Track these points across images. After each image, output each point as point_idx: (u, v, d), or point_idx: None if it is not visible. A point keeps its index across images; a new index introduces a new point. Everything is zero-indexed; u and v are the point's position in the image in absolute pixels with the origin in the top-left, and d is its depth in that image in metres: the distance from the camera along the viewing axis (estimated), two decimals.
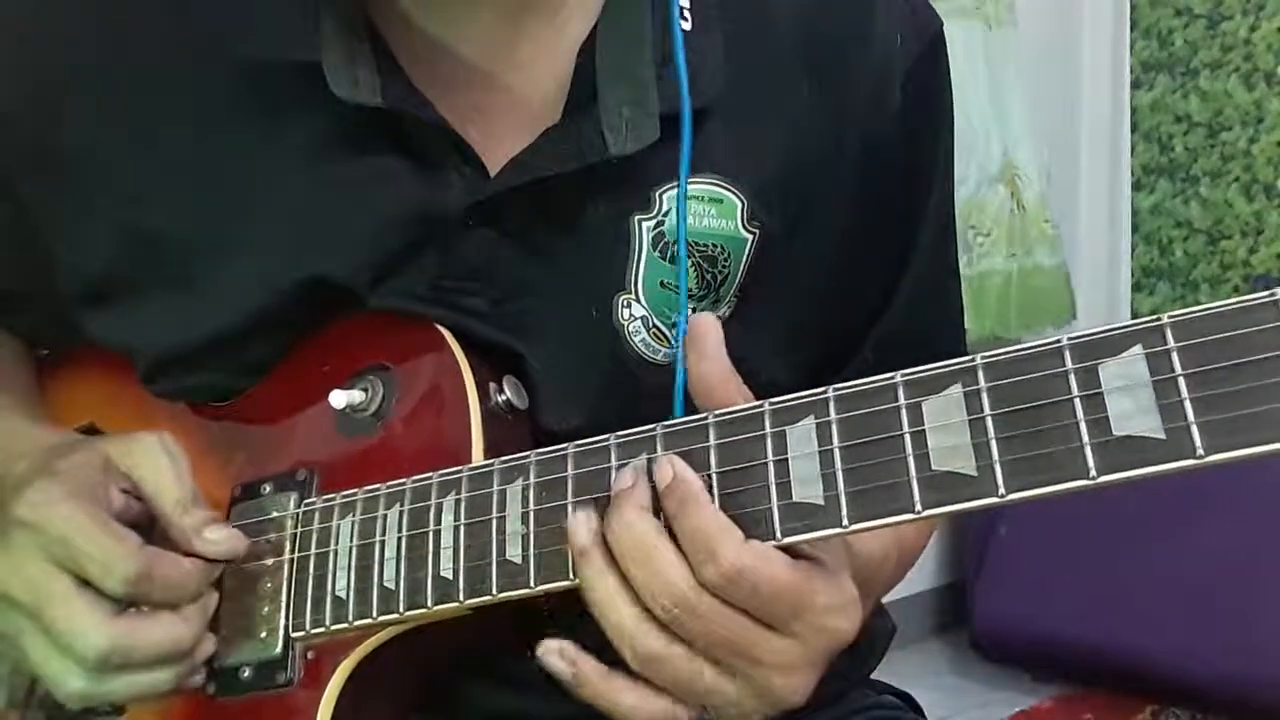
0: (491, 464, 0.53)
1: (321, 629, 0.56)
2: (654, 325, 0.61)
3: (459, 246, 0.60)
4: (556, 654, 0.49)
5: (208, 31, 0.60)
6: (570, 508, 0.50)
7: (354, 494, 0.57)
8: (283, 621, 0.57)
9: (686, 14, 0.60)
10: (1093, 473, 0.40)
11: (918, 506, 0.43)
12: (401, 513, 0.55)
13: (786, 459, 0.46)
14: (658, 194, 0.60)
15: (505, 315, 0.60)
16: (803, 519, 0.45)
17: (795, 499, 0.46)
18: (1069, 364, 0.41)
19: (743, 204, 0.61)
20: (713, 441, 0.48)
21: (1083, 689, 2.19)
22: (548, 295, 0.61)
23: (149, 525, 0.56)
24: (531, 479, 0.52)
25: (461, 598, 0.52)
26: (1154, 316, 0.40)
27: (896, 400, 0.45)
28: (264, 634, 0.58)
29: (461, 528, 0.53)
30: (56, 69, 0.62)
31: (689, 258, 0.61)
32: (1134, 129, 2.89)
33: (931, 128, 0.68)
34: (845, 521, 0.45)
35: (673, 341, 0.62)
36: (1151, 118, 2.86)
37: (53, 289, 0.65)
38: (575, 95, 0.59)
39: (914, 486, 0.43)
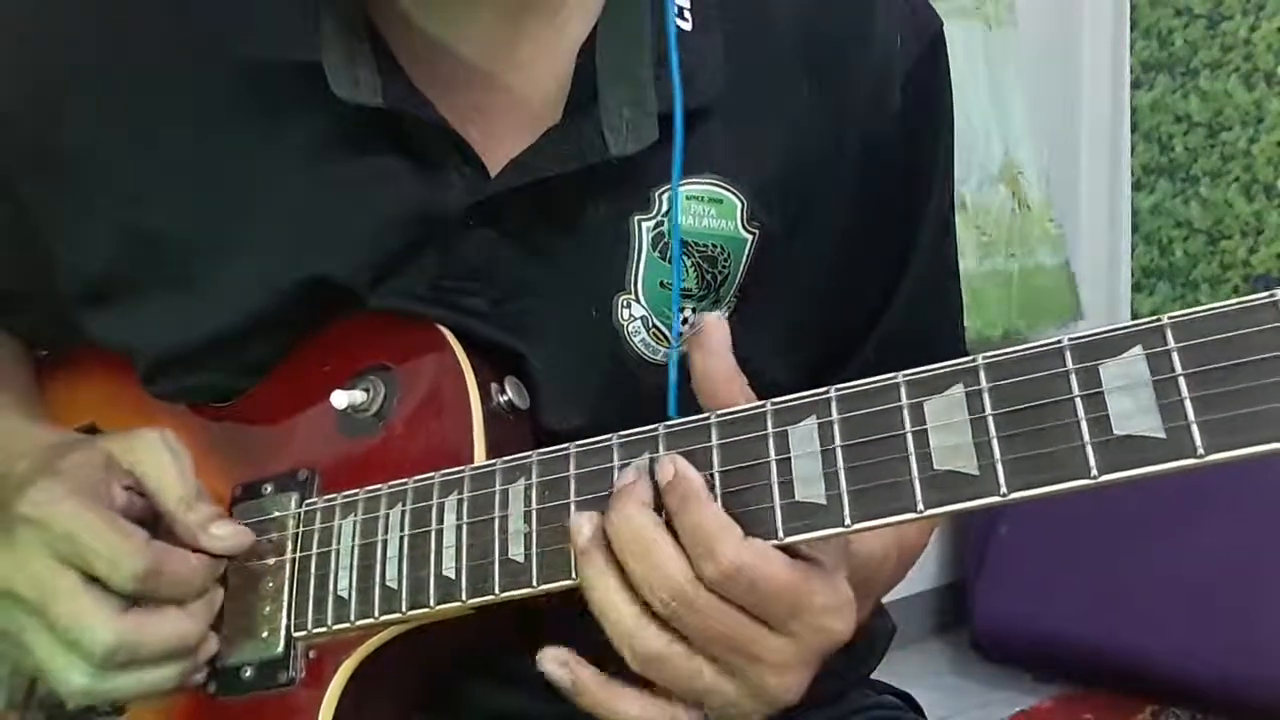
0: (493, 463, 0.53)
1: (323, 628, 0.56)
2: (654, 325, 0.61)
3: (459, 246, 0.60)
4: (555, 662, 0.49)
5: (208, 31, 0.60)
6: (572, 507, 0.50)
7: (355, 494, 0.57)
8: (284, 621, 0.57)
9: (686, 14, 0.60)
10: (1094, 472, 0.40)
11: (920, 506, 0.43)
12: (403, 512, 0.55)
13: (789, 458, 0.46)
14: (657, 194, 0.60)
15: (505, 315, 0.60)
16: (805, 518, 0.46)
17: (798, 498, 0.46)
18: (1070, 364, 0.41)
19: (743, 204, 0.61)
20: (715, 441, 0.48)
21: (1083, 689, 2.19)
22: (548, 295, 0.61)
23: (152, 522, 0.56)
24: (534, 478, 0.52)
25: (464, 597, 0.52)
26: (1154, 317, 0.40)
27: (898, 400, 0.45)
28: (266, 633, 0.58)
29: (464, 527, 0.53)
30: (56, 69, 0.62)
31: (689, 258, 0.61)
32: (1134, 129, 2.89)
33: (931, 128, 0.68)
34: (847, 521, 0.45)
35: (673, 341, 0.62)
36: (1151, 118, 2.86)
37: (53, 289, 0.65)
38: (575, 95, 0.59)
39: (916, 486, 0.43)
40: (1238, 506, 2.00)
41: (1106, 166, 2.89)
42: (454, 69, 0.60)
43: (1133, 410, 0.40)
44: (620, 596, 0.47)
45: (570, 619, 0.50)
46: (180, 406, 0.66)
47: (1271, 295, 0.39)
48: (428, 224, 0.60)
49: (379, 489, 0.56)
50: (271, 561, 0.59)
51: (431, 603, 0.53)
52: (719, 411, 0.49)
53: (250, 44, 0.59)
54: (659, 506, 0.47)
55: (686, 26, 0.60)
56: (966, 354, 0.45)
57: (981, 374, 0.43)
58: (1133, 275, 2.92)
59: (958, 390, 0.44)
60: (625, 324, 0.61)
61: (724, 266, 0.61)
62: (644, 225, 0.60)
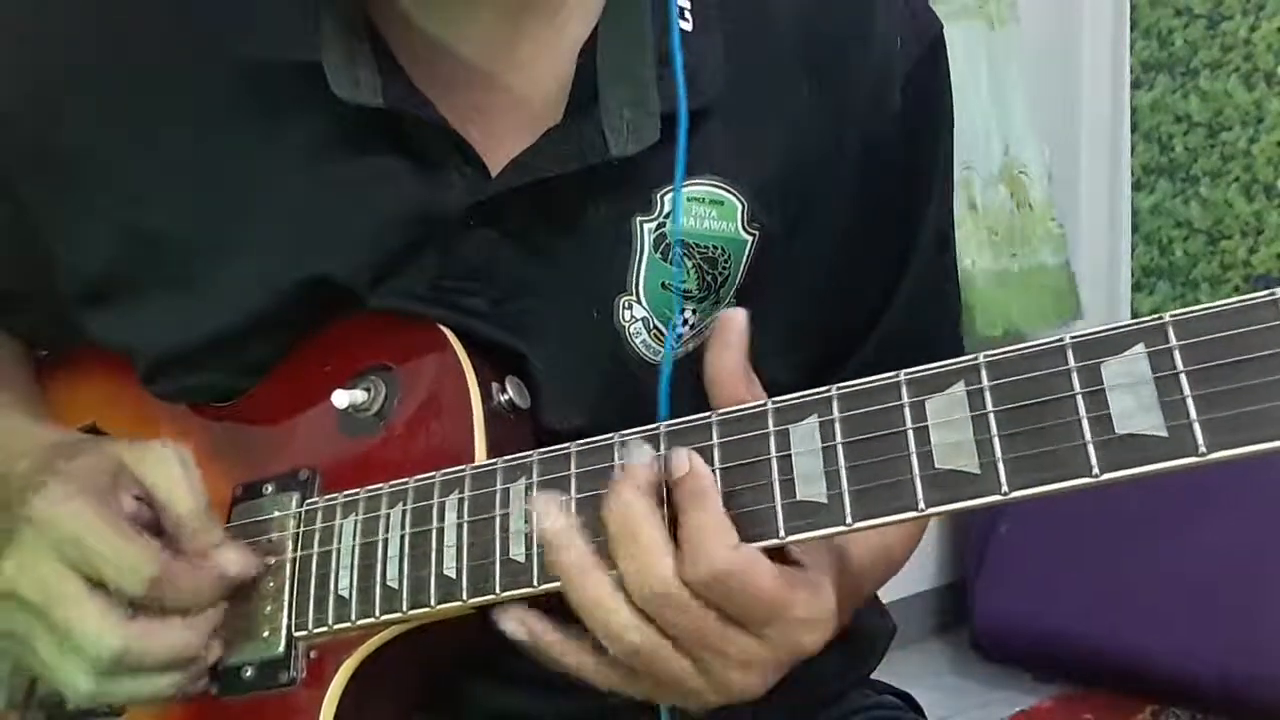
0: (494, 463, 0.53)
1: (324, 628, 0.56)
2: (654, 326, 0.61)
3: (459, 246, 0.60)
4: (514, 621, 0.50)
5: (208, 31, 0.60)
6: (572, 505, 0.50)
7: (356, 493, 0.57)
8: (285, 621, 0.57)
9: (687, 14, 0.60)
10: (1095, 470, 0.40)
11: (921, 504, 0.43)
12: (404, 511, 0.55)
13: (790, 457, 0.46)
14: (658, 195, 0.60)
15: (506, 315, 0.60)
16: (806, 517, 0.46)
17: (799, 497, 0.46)
18: (1071, 362, 0.42)
19: (743, 206, 0.61)
20: (716, 440, 0.48)
21: (1083, 689, 2.19)
22: (548, 296, 0.61)
23: (157, 534, 0.56)
24: (535, 477, 0.52)
25: (465, 596, 0.52)
26: (1155, 315, 0.41)
27: (900, 398, 0.45)
28: (267, 633, 0.58)
29: (464, 525, 0.53)
30: (56, 69, 0.62)
31: (690, 259, 0.61)
32: (1134, 129, 2.89)
33: (931, 129, 0.68)
34: (849, 519, 0.45)
35: (666, 344, 0.62)
36: (1151, 118, 2.86)
37: (53, 289, 0.65)
38: (576, 96, 0.59)
39: (917, 484, 0.44)
40: (1239, 505, 2.00)
41: (1106, 166, 2.89)
42: (454, 69, 0.60)
43: (1134, 408, 0.40)
44: (597, 573, 0.48)
45: (571, 618, 0.50)
46: (180, 406, 0.66)
47: (1272, 293, 0.39)
48: (428, 224, 0.59)
49: (380, 488, 0.56)
50: (272, 561, 0.59)
51: (432, 602, 0.53)
52: (720, 410, 0.49)
53: (250, 44, 0.59)
54: (659, 499, 0.47)
55: (687, 27, 0.60)
56: (965, 353, 0.45)
57: (983, 372, 0.43)
58: (1133, 275, 2.92)
59: (959, 388, 0.44)
60: (626, 325, 0.61)
61: (724, 267, 0.61)
62: (645, 226, 0.60)
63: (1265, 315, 0.39)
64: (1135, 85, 2.88)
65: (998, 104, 2.40)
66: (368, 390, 0.59)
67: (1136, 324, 0.41)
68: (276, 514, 0.60)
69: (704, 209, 0.60)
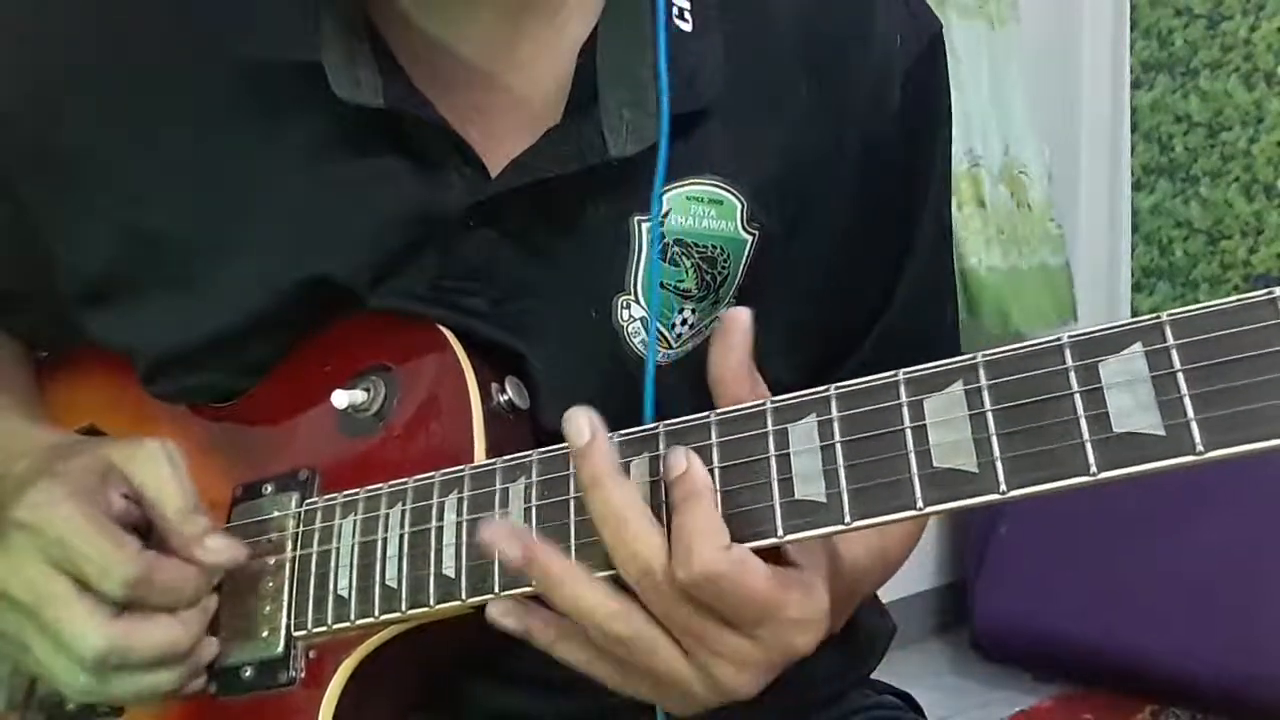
0: (494, 463, 0.53)
1: (323, 628, 0.56)
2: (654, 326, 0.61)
3: (459, 247, 0.60)
4: (505, 614, 0.50)
5: (208, 31, 0.60)
6: (572, 505, 0.50)
7: (355, 493, 0.57)
8: (284, 621, 0.57)
9: (687, 15, 0.60)
10: (1093, 469, 0.40)
11: (919, 503, 0.43)
12: (403, 511, 0.55)
13: (788, 456, 0.46)
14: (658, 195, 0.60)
15: (505, 315, 0.60)
16: (805, 516, 0.46)
17: (797, 496, 0.46)
18: (1069, 361, 0.42)
19: (742, 205, 0.61)
20: (715, 439, 0.48)
21: (1083, 689, 2.19)
22: (548, 296, 0.61)
23: (148, 531, 0.57)
24: (534, 477, 0.52)
25: (464, 596, 0.52)
26: (1153, 314, 0.40)
27: (898, 398, 0.45)
28: (266, 633, 0.58)
29: (464, 525, 0.53)
30: (56, 69, 0.62)
31: (689, 259, 0.61)
32: (1134, 129, 2.90)
33: (930, 128, 0.68)
34: (847, 518, 0.45)
35: (672, 342, 0.62)
36: (1151, 118, 2.87)
37: (53, 289, 0.65)
38: (576, 96, 0.59)
39: (916, 483, 0.44)
40: (1238, 504, 2.00)
41: (1106, 166, 2.89)
42: (454, 69, 0.60)
43: (1132, 407, 0.40)
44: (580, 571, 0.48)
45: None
46: (180, 407, 0.66)
47: (1270, 292, 0.39)
48: (428, 224, 0.60)
49: (379, 488, 0.56)
50: (271, 561, 0.59)
51: (431, 602, 0.53)
52: (719, 410, 0.49)
53: (250, 44, 0.59)
54: (655, 500, 0.48)
55: (687, 27, 0.60)
56: (963, 353, 0.45)
57: (981, 371, 0.43)
58: (1132, 275, 2.93)
59: (957, 388, 0.44)
60: (625, 325, 0.61)
61: (723, 267, 0.62)
62: (644, 226, 0.60)
63: (1263, 314, 0.39)
64: (1135, 85, 2.88)
65: (998, 104, 2.40)
66: (367, 390, 0.59)
67: (1134, 323, 0.41)
68: (276, 514, 0.60)
69: (703, 208, 0.60)
